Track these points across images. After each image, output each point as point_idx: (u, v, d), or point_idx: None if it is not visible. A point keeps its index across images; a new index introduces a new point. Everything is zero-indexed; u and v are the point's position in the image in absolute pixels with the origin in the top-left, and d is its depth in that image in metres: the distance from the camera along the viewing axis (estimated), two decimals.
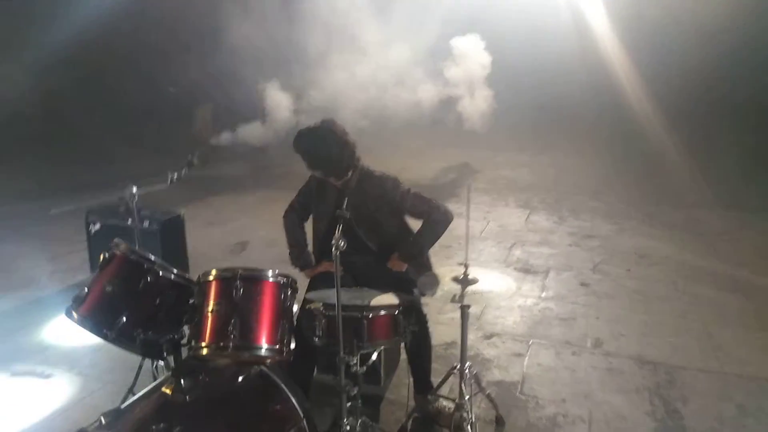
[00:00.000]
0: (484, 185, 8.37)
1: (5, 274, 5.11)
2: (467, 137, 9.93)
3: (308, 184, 3.15)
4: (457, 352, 3.69)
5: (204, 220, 6.62)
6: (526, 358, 3.60)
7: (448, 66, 9.17)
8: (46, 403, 3.17)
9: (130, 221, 4.71)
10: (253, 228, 6.42)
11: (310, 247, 3.18)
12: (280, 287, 2.11)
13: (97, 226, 4.87)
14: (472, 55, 9.10)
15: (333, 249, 2.16)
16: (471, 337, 3.71)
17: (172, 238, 4.82)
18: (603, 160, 9.36)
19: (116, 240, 2.18)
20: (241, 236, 6.14)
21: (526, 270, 5.12)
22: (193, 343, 1.98)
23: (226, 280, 2.02)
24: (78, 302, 2.08)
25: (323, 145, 2.81)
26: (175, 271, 2.14)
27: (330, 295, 2.51)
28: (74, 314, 2.08)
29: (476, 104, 9.49)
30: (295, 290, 2.19)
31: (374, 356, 2.78)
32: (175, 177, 3.05)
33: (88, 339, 2.41)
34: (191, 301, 2.05)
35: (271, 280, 2.09)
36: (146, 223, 4.68)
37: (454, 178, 9.07)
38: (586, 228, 6.30)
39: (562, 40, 10.31)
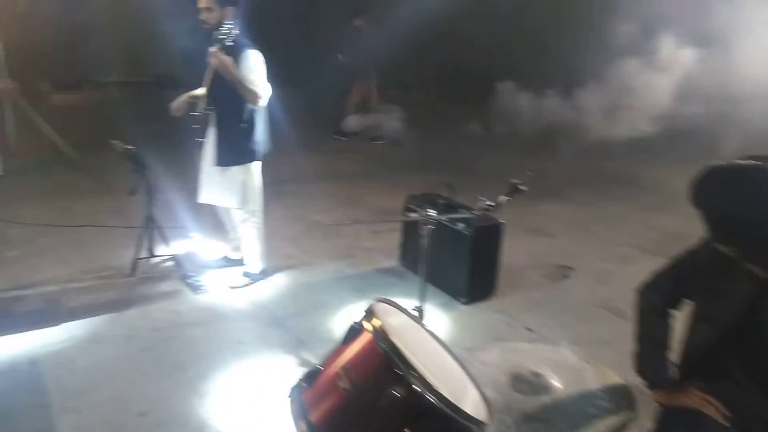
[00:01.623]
0: None
1: (333, 243, 5.14)
2: None
3: (699, 252, 1.87)
4: None
5: (525, 225, 5.63)
6: None
7: None
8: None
9: (444, 219, 4.28)
10: (584, 252, 5.20)
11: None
12: None
13: (414, 214, 4.54)
14: None
15: None
16: None
17: (485, 246, 4.20)
18: None
19: (377, 301, 1.41)
20: (566, 259, 5.01)
21: None
22: None
23: None
24: (307, 382, 1.42)
25: (757, 207, 1.50)
26: (444, 395, 1.24)
27: None
28: (297, 399, 1.42)
29: None
30: None
31: None
32: (497, 203, 2.25)
33: None
34: None
35: None
36: (460, 225, 4.11)
37: None
38: None
39: None
